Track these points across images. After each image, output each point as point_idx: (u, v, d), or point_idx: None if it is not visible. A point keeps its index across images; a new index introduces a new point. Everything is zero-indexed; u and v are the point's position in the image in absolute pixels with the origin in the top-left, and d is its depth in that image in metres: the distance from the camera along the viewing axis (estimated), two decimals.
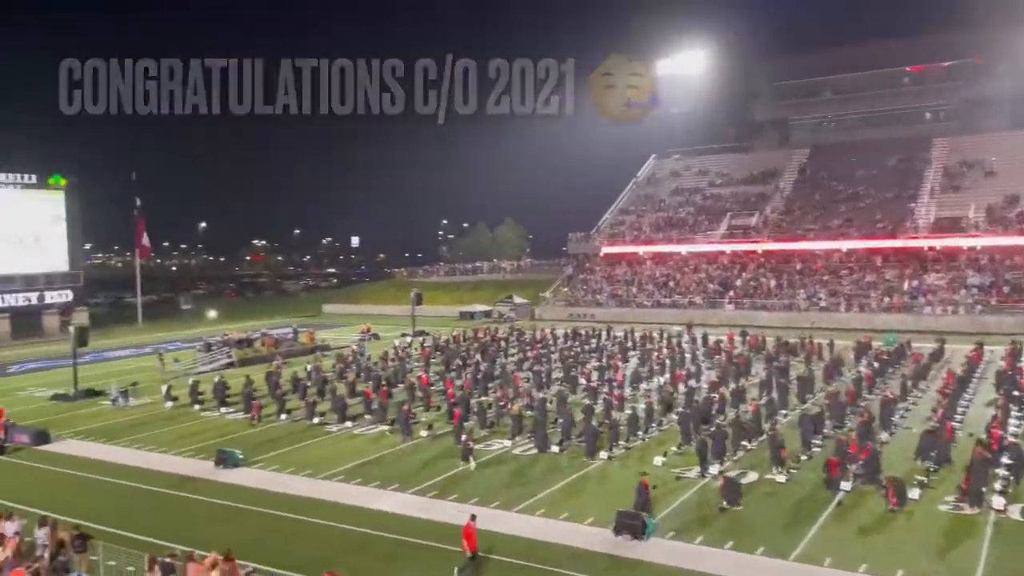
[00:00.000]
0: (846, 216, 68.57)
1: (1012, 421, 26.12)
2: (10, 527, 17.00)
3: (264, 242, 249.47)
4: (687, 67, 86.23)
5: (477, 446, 26.06)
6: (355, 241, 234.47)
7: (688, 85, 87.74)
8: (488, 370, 38.60)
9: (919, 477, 20.96)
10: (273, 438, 28.62)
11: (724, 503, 19.78)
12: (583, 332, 51.60)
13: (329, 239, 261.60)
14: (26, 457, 27.32)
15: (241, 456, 25.26)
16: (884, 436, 25.35)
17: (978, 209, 62.55)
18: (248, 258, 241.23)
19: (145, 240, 79.39)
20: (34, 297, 67.22)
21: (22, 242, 65.88)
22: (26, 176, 66.71)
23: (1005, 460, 21.25)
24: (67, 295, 69.88)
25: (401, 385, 36.81)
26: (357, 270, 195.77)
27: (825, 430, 26.27)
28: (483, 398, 32.54)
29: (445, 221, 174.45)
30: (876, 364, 36.67)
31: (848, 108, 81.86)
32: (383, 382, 36.28)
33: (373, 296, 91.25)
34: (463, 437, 25.04)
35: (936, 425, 24.13)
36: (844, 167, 76.07)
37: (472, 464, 23.95)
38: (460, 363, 41.63)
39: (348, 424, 30.03)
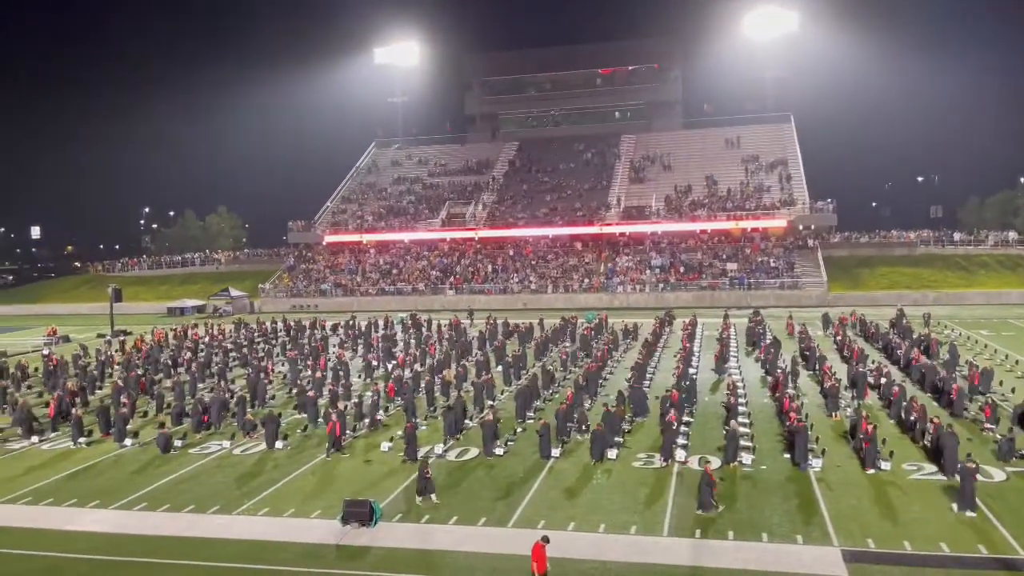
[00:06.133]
0: (551, 205, 74.23)
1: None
2: None
3: None
4: (403, 58, 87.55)
5: (192, 449, 24.50)
6: (35, 232, 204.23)
7: (405, 76, 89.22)
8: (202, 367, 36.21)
9: (617, 438, 23.47)
10: None
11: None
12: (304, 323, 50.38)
13: (1, 229, 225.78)
14: None
15: None
16: (588, 403, 28.06)
17: (658, 199, 71.20)
18: None
19: None
20: None
21: None
22: None
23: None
24: None
25: (100, 391, 33.24)
26: (41, 265, 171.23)
27: (537, 402, 28.46)
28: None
29: (147, 209, 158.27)
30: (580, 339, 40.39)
31: (550, 105, 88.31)
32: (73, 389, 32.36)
33: (60, 294, 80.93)
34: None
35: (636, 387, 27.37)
36: (548, 160, 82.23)
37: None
38: (170, 362, 38.67)
39: (34, 439, 26.45)
